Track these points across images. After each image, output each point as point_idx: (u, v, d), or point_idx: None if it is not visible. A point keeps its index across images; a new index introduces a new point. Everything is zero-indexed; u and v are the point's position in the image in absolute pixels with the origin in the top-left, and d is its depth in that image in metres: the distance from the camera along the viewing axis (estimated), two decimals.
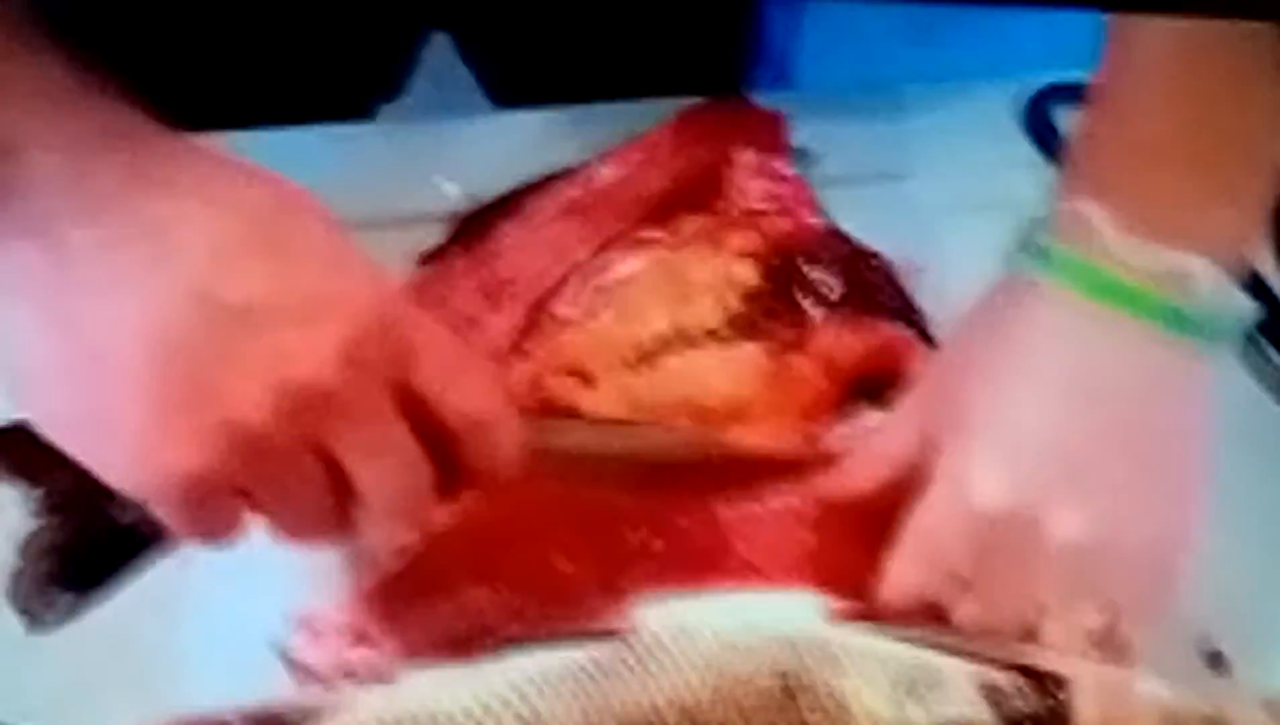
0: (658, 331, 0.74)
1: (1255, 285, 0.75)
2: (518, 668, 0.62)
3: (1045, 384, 0.65)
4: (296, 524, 0.62)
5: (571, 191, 0.82)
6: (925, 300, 0.79)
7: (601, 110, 0.89)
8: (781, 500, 0.70)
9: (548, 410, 0.72)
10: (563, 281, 0.78)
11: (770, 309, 0.76)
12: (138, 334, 0.57)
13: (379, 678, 0.63)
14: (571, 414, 0.72)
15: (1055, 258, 0.65)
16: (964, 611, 0.65)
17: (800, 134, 0.85)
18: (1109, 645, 0.65)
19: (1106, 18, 0.66)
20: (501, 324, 0.75)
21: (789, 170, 0.84)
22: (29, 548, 0.68)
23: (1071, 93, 0.84)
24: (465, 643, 0.63)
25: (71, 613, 0.68)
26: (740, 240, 0.79)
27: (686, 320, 0.75)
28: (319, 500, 0.60)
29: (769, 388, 0.73)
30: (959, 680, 0.63)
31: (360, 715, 0.62)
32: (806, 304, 0.77)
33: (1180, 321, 0.64)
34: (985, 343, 0.67)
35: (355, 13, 0.94)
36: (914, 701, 0.62)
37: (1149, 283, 0.64)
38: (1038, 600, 0.64)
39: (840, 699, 0.61)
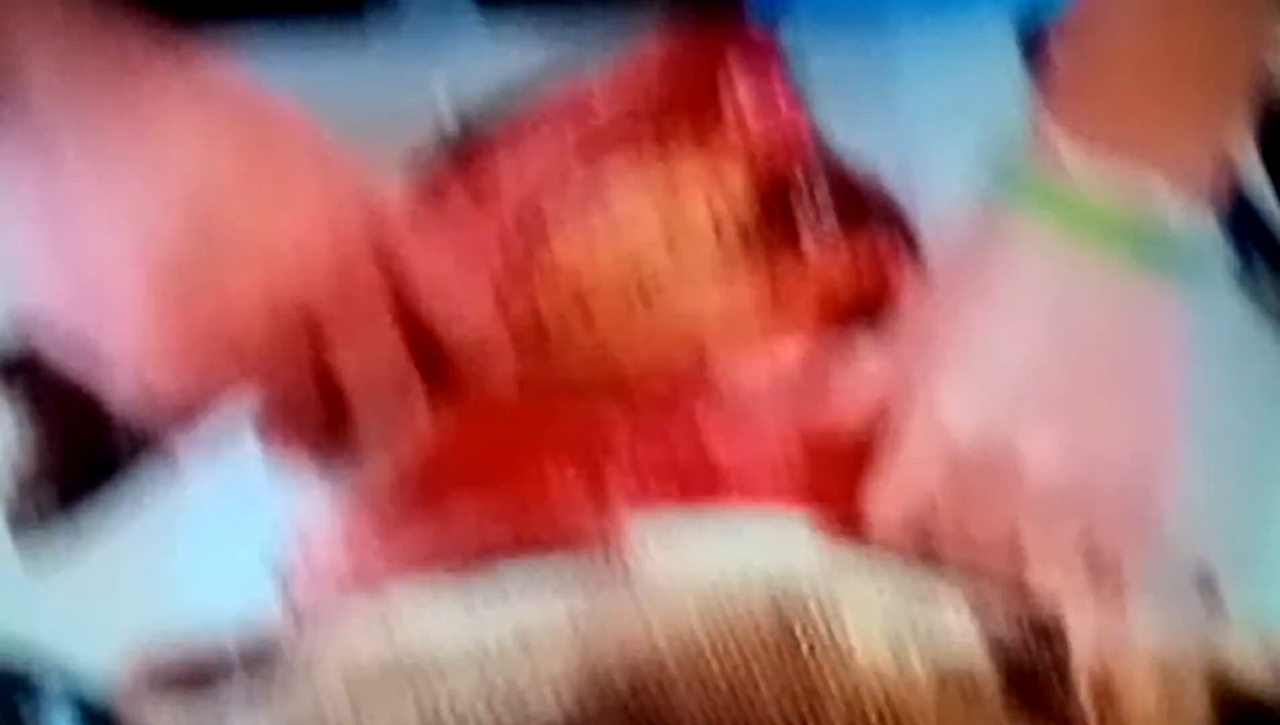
0: (650, 252, 0.74)
1: (1243, 208, 0.75)
2: (514, 605, 0.61)
3: (1017, 313, 0.65)
4: (286, 434, 0.64)
5: (564, 112, 0.81)
6: (921, 224, 0.78)
7: (595, 16, 0.87)
8: (773, 426, 0.69)
9: (538, 332, 0.71)
10: (555, 202, 0.77)
11: (765, 229, 0.75)
12: (132, 250, 0.58)
13: (371, 589, 0.62)
14: (563, 335, 0.71)
15: (1024, 186, 0.65)
16: (946, 541, 0.65)
17: (795, 55, 0.84)
18: (1095, 569, 0.65)
19: None
20: (492, 244, 0.74)
21: (784, 91, 0.82)
22: (21, 463, 0.67)
23: None
24: (459, 559, 0.63)
25: (63, 528, 0.67)
26: (735, 160, 0.78)
27: (680, 241, 0.74)
28: (311, 411, 0.62)
29: (764, 308, 0.73)
30: (955, 621, 0.62)
31: (353, 647, 0.62)
32: (802, 225, 0.76)
33: (1150, 249, 0.64)
34: (959, 272, 0.68)
35: None
36: (911, 645, 0.62)
37: (1118, 211, 0.64)
38: (1019, 528, 0.65)
39: (835, 637, 0.61)
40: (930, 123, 0.83)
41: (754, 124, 0.80)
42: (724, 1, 0.94)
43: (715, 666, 0.60)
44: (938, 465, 0.65)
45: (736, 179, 0.77)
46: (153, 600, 0.66)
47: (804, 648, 0.60)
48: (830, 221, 0.76)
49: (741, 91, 0.81)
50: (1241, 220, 0.67)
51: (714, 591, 0.61)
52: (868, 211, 0.78)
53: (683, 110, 0.80)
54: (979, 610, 0.63)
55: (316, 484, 0.67)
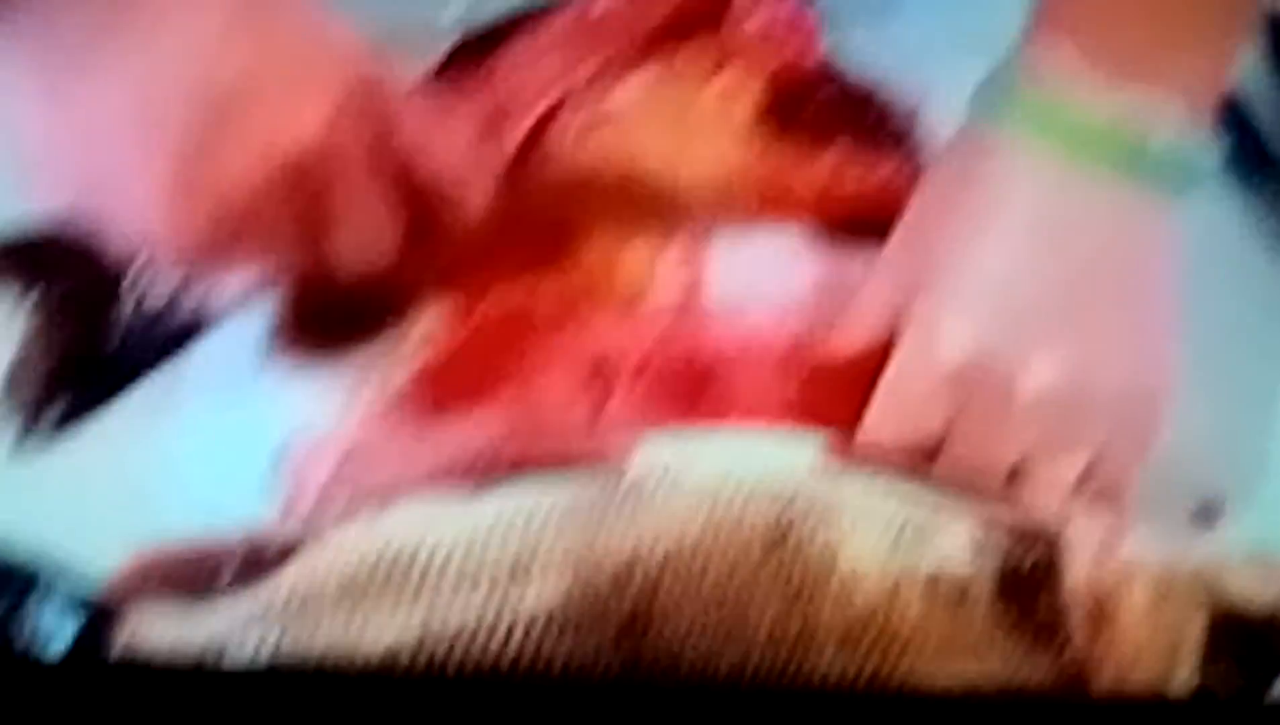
0: (655, 145, 0.73)
1: (1242, 121, 0.75)
2: (508, 501, 0.62)
3: (1009, 232, 0.65)
4: (292, 335, 0.68)
5: (571, 17, 0.80)
6: (925, 139, 0.78)
7: None
8: (777, 344, 0.69)
9: (541, 236, 0.71)
10: (560, 108, 0.77)
11: (772, 133, 0.75)
12: (130, 115, 0.60)
13: (372, 499, 0.63)
14: (564, 235, 0.71)
15: (1017, 101, 0.65)
16: (946, 463, 0.65)
17: None
18: (1095, 490, 0.65)
19: None
20: (496, 150, 0.74)
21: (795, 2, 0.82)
22: (23, 355, 0.67)
23: None
24: (460, 467, 0.63)
25: (64, 424, 0.67)
26: (742, 70, 0.78)
27: (687, 136, 0.74)
28: (299, 258, 0.64)
29: (767, 207, 0.73)
30: (951, 532, 0.62)
31: (349, 542, 0.62)
32: (808, 133, 0.75)
33: (1143, 165, 0.64)
34: (951, 191, 0.67)
35: None
36: (905, 551, 0.62)
37: (1111, 127, 0.63)
38: (1018, 449, 0.65)
39: (828, 546, 0.61)
40: (934, 38, 0.82)
41: (763, 31, 0.79)
42: None
43: (706, 565, 0.60)
44: (934, 386, 0.65)
45: (745, 82, 0.77)
46: (152, 500, 0.66)
47: (797, 551, 0.60)
48: (837, 131, 0.76)
49: (749, 2, 0.80)
50: (1241, 134, 0.66)
51: (709, 497, 0.61)
52: (874, 124, 0.78)
53: (693, 15, 0.80)
54: (975, 522, 0.63)
55: (319, 388, 0.67)
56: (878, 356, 0.67)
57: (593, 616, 0.60)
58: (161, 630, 0.62)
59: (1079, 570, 0.62)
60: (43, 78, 0.60)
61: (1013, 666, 0.61)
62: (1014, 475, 0.64)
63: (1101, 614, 0.62)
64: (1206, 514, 0.69)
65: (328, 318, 0.68)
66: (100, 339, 0.68)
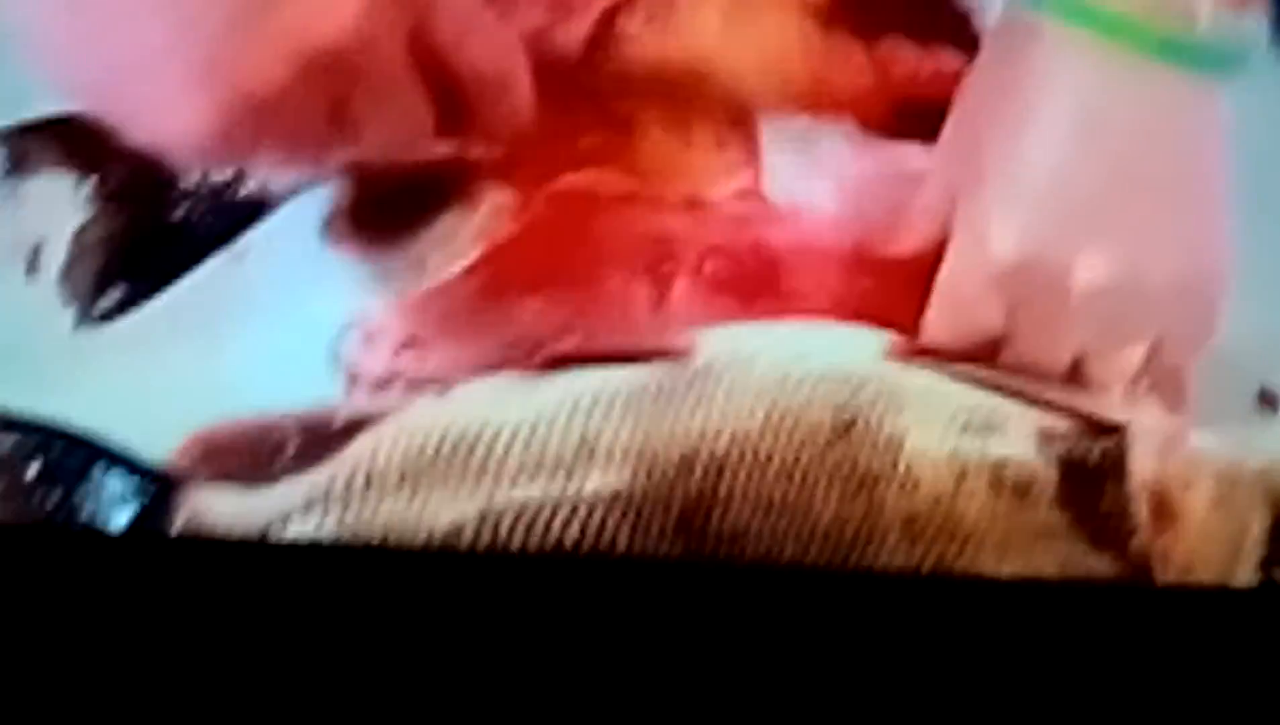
0: (716, 54, 0.73)
1: None
2: (573, 385, 0.61)
3: (1055, 125, 0.64)
4: (351, 226, 0.66)
5: None
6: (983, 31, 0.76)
7: None
8: (839, 243, 0.69)
9: (603, 131, 0.71)
10: (621, 3, 0.76)
11: (831, 34, 0.74)
12: (154, 4, 0.58)
13: (432, 386, 0.63)
14: (626, 130, 0.71)
15: None
16: (1006, 361, 0.65)
17: None
18: (1155, 382, 0.65)
19: None
20: (568, 36, 0.73)
21: None
22: (83, 238, 0.67)
23: None
24: (520, 356, 0.63)
25: (126, 306, 0.67)
26: None
27: (745, 43, 0.73)
28: (329, 153, 0.63)
29: (852, 90, 0.72)
30: (1016, 423, 0.62)
31: (410, 423, 0.62)
32: (867, 30, 0.75)
33: (1187, 51, 0.63)
34: (995, 86, 0.66)
35: None
36: (969, 441, 0.61)
37: (1152, 12, 0.62)
38: (1075, 344, 0.64)
39: (893, 435, 0.61)
40: None
41: None
42: None
43: (770, 452, 0.60)
44: (987, 285, 0.64)
45: None
46: (212, 384, 0.66)
47: (861, 440, 0.60)
48: (896, 24, 0.75)
49: None
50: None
51: (775, 385, 0.61)
52: (934, 17, 0.77)
53: None
54: (1040, 415, 0.62)
55: (380, 272, 0.67)
56: (935, 256, 0.66)
57: (655, 501, 0.60)
58: (222, 509, 0.62)
59: (1144, 465, 0.62)
60: None
61: (1075, 560, 0.61)
62: (1074, 370, 0.64)
63: (1165, 509, 0.62)
64: (1268, 403, 0.68)
65: (388, 203, 0.67)
66: (159, 223, 0.68)
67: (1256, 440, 0.65)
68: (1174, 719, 0.57)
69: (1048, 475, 0.62)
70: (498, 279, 0.67)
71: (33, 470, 0.63)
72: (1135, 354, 0.64)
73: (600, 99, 0.71)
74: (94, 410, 0.65)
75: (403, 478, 0.61)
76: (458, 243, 0.66)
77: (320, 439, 0.62)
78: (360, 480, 0.61)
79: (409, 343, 0.66)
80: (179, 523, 0.62)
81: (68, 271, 0.67)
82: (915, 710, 0.57)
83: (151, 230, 0.67)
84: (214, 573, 0.60)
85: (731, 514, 0.60)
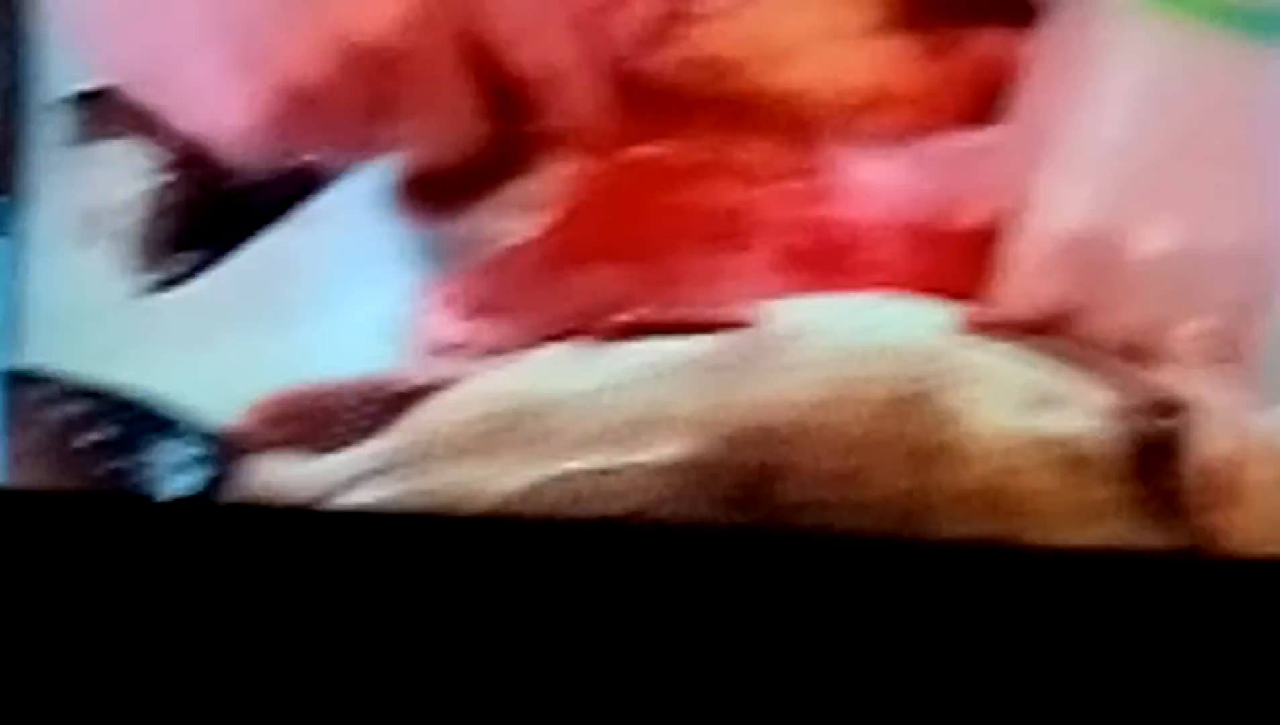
0: (807, 23, 0.72)
1: None
2: (637, 354, 0.61)
3: (1114, 98, 0.64)
4: (415, 197, 0.65)
5: None
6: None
7: None
8: (908, 216, 0.69)
9: (682, 100, 0.70)
10: None
11: (927, 8, 0.73)
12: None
13: (498, 353, 0.63)
14: (705, 103, 0.70)
15: None
16: (1072, 334, 0.64)
17: None
18: (1222, 351, 0.64)
19: None
20: (642, 11, 0.73)
21: None
22: (150, 204, 0.67)
23: None
24: (587, 324, 0.63)
25: (191, 273, 0.67)
26: None
27: (838, 14, 0.73)
28: (370, 148, 0.62)
29: (916, 85, 0.71)
30: (1081, 398, 0.62)
31: (474, 391, 0.62)
32: (966, 7, 0.74)
33: (1241, 19, 0.62)
34: (1056, 61, 0.66)
35: None
36: (1033, 415, 0.61)
37: None
38: (1141, 315, 0.64)
39: (958, 409, 0.61)
40: None
41: None
42: None
43: (833, 424, 0.60)
44: (1051, 258, 0.64)
45: None
46: (274, 351, 0.66)
47: (925, 413, 0.60)
48: (964, 13, 0.74)
49: None
50: None
51: (839, 357, 0.61)
52: (999, 3, 0.76)
53: None
54: (1104, 391, 0.62)
55: (446, 240, 0.67)
56: (1002, 230, 0.66)
57: (718, 471, 0.60)
58: (284, 475, 0.62)
59: (1208, 443, 0.62)
60: None
61: (1137, 536, 0.61)
62: (1141, 342, 0.64)
63: (1228, 486, 0.62)
64: None
65: (456, 171, 0.67)
66: (226, 190, 0.68)
67: None
68: (1234, 695, 0.57)
69: (1111, 451, 0.61)
70: (565, 248, 0.67)
71: (95, 437, 0.64)
72: (1202, 323, 0.63)
73: (661, 88, 0.71)
74: (158, 377, 0.65)
75: (465, 446, 0.61)
76: (525, 211, 0.66)
77: (384, 406, 0.62)
78: (424, 447, 0.61)
79: (475, 310, 0.66)
80: (241, 490, 0.62)
81: (135, 238, 0.67)
82: (973, 680, 0.56)
83: (219, 197, 0.67)
84: (276, 540, 0.60)
85: (795, 485, 0.60)
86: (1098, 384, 0.63)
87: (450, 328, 0.66)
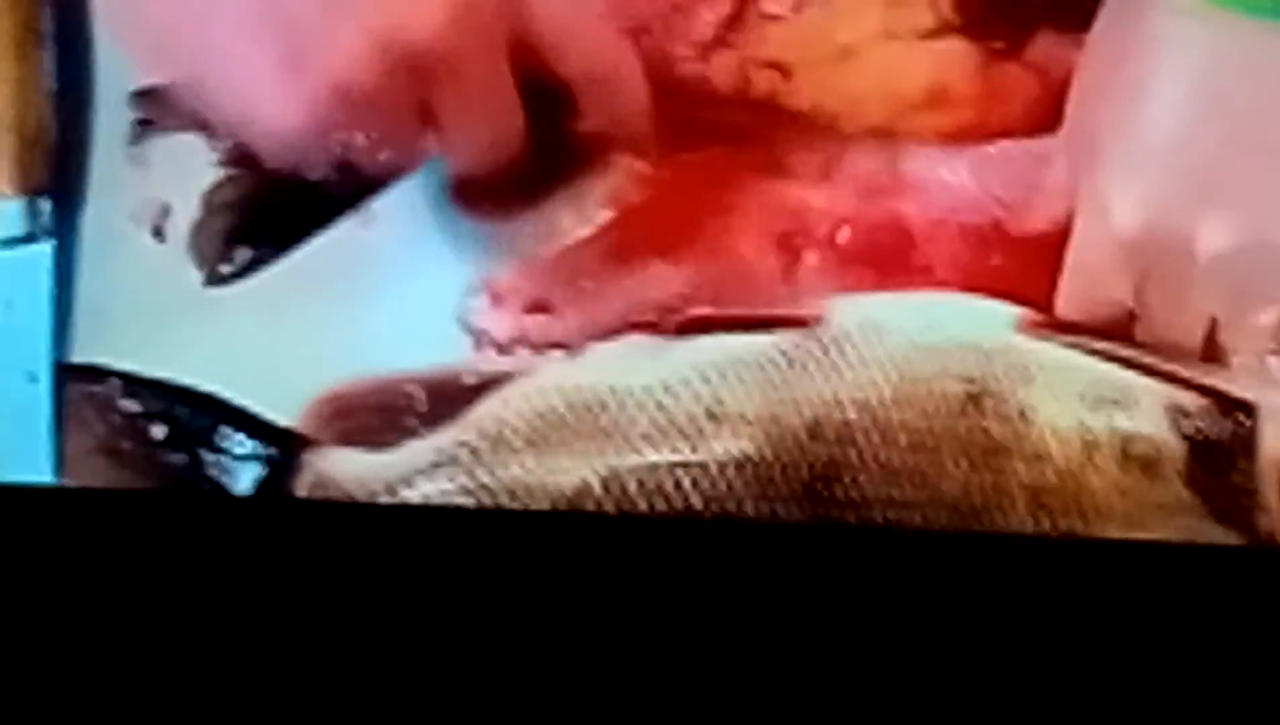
0: (865, 27, 0.72)
1: None
2: (702, 351, 0.61)
3: (1168, 94, 0.63)
4: (479, 193, 0.65)
5: None
6: None
7: None
8: (972, 219, 0.69)
9: (744, 100, 0.70)
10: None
11: (988, 13, 0.73)
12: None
13: (559, 347, 0.63)
14: (765, 105, 0.71)
15: None
16: (1139, 334, 0.64)
17: None
18: None
19: None
20: (708, 15, 0.73)
21: None
22: (212, 198, 0.67)
23: None
24: (649, 320, 0.63)
25: (249, 269, 0.67)
26: None
27: (898, 18, 0.73)
28: (412, 154, 0.62)
29: (976, 88, 0.71)
30: (1146, 399, 0.62)
31: (538, 385, 0.62)
32: (1027, 11, 0.74)
33: None
34: (1109, 59, 0.66)
35: None
36: (1098, 415, 0.61)
37: None
38: (1207, 311, 0.64)
39: (1022, 408, 0.61)
40: None
41: None
42: None
43: (899, 421, 0.60)
44: (1113, 258, 0.64)
45: None
46: (337, 348, 0.66)
47: (991, 411, 0.60)
48: (1059, 6, 0.74)
49: None
50: None
51: (906, 355, 0.61)
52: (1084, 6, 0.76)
53: None
54: (1171, 390, 0.62)
55: (507, 236, 0.67)
56: (1065, 233, 0.66)
57: (782, 468, 0.60)
58: (348, 470, 0.62)
59: (1274, 444, 0.62)
60: None
61: (1201, 537, 0.61)
62: (1208, 341, 0.63)
63: None
64: None
65: (516, 169, 0.67)
66: (289, 186, 0.68)
67: None
68: None
69: (1177, 452, 0.61)
70: (627, 243, 0.67)
71: (159, 433, 0.64)
72: (1268, 317, 0.63)
73: (731, 79, 0.71)
74: (221, 371, 0.65)
75: (529, 440, 0.61)
76: (588, 206, 0.66)
77: (447, 400, 0.62)
78: (486, 442, 0.61)
79: (537, 305, 0.66)
80: (305, 484, 0.62)
81: (196, 232, 0.68)
82: (1038, 672, 0.56)
83: (281, 193, 0.67)
84: (340, 534, 0.61)
85: (858, 483, 0.60)
86: (1161, 384, 0.62)
87: (511, 322, 0.65)
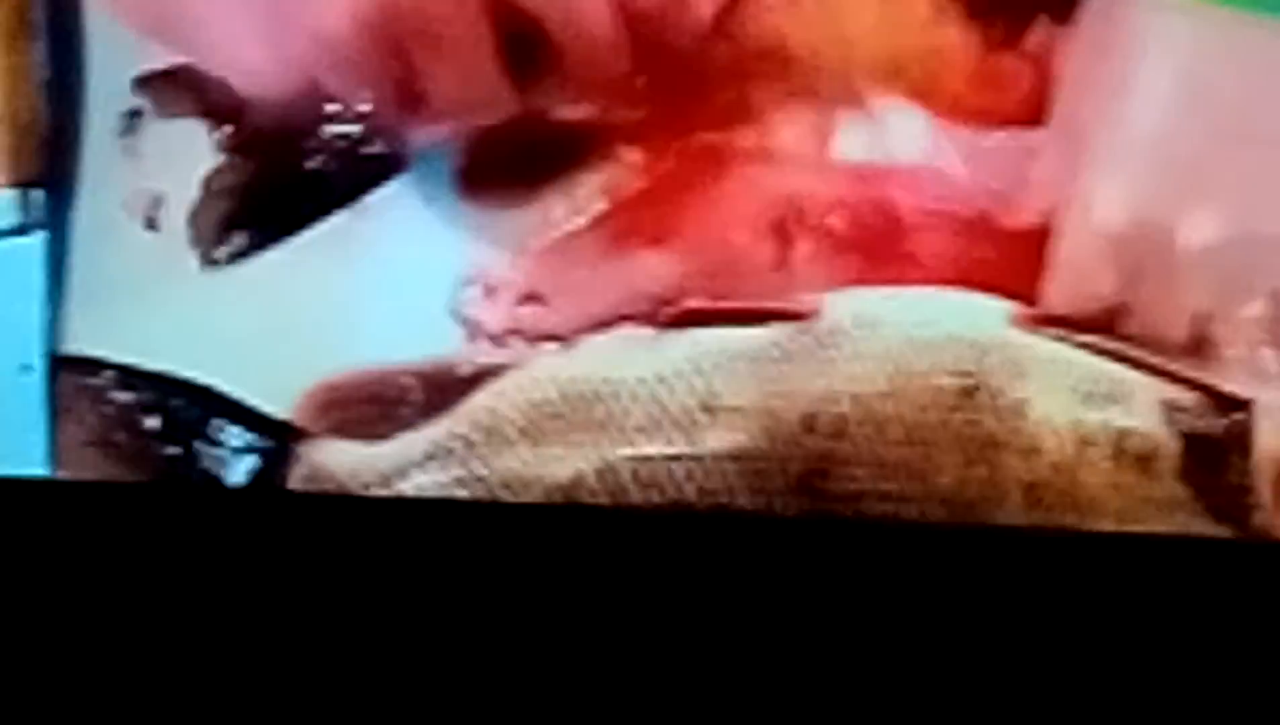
0: (864, 13, 0.72)
1: None
2: (697, 343, 0.61)
3: (1150, 90, 0.63)
4: (476, 180, 0.65)
5: None
6: None
7: None
8: (965, 215, 0.68)
9: (739, 88, 0.70)
10: None
11: (986, 3, 0.73)
12: None
13: (553, 338, 0.63)
14: (762, 91, 0.70)
15: None
16: (1128, 328, 0.64)
17: None
18: (1276, 334, 0.64)
19: None
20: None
21: None
22: (211, 184, 0.67)
23: None
24: (643, 311, 0.63)
25: (246, 253, 0.67)
26: None
27: (897, 4, 0.72)
28: (389, 102, 0.62)
29: (973, 78, 0.71)
30: (1141, 394, 0.62)
31: (533, 376, 0.62)
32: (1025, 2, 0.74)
33: (1272, 2, 0.62)
34: (1092, 55, 0.66)
35: None
36: (1092, 411, 0.61)
37: None
38: (1194, 305, 0.63)
39: (1016, 403, 0.61)
40: None
41: None
42: None
43: (894, 414, 0.60)
44: (1099, 253, 0.64)
45: None
46: (333, 336, 0.66)
47: (986, 405, 0.60)
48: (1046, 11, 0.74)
49: None
50: None
51: (901, 348, 0.61)
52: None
53: None
54: (1165, 386, 0.62)
55: (503, 227, 0.67)
56: (1052, 228, 0.66)
57: (776, 461, 0.60)
58: (341, 462, 0.62)
59: (1268, 441, 0.61)
60: None
61: (1196, 531, 0.60)
62: (1197, 335, 0.63)
63: None
64: None
65: (512, 162, 0.67)
66: (287, 174, 0.68)
67: None
68: None
69: (1171, 448, 0.61)
70: (621, 234, 0.66)
71: (153, 424, 0.64)
72: (1255, 310, 0.63)
73: (732, 64, 0.71)
74: (215, 363, 0.65)
75: (524, 431, 0.61)
76: (582, 197, 0.66)
77: (441, 392, 0.62)
78: (481, 434, 0.61)
79: (530, 296, 0.66)
80: (299, 476, 0.62)
81: (194, 216, 0.67)
82: (1032, 664, 0.56)
83: (280, 180, 0.67)
84: (333, 526, 0.60)
85: (852, 476, 0.60)
86: (1157, 380, 0.62)
87: (504, 313, 0.65)
